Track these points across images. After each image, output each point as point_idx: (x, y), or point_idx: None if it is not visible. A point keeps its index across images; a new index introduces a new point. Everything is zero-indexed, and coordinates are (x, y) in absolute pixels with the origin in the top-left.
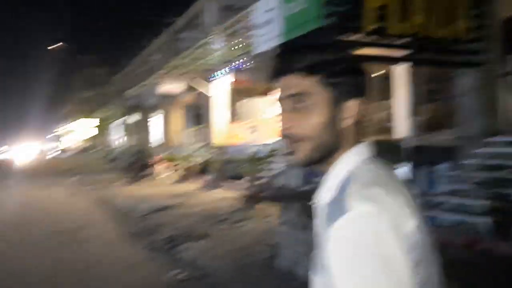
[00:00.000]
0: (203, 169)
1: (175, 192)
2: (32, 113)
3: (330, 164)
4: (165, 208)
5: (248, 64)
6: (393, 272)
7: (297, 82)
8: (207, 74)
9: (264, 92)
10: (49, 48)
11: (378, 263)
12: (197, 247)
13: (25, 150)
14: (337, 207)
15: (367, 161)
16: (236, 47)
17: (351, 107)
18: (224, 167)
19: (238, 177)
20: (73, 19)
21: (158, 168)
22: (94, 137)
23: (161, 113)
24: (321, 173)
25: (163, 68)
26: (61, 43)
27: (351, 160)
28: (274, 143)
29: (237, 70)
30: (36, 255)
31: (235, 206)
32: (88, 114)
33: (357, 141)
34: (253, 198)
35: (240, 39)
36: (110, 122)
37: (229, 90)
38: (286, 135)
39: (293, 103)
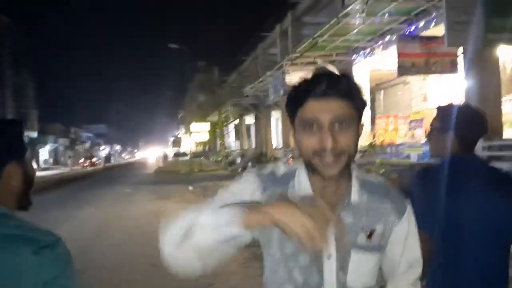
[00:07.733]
0: None
1: None
2: (157, 121)
3: (343, 173)
4: None
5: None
6: None
7: (342, 105)
8: (349, 55)
9: (448, 67)
10: (168, 51)
11: None
12: None
13: (150, 154)
14: (398, 205)
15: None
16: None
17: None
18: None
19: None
20: (185, 24)
21: None
22: (210, 140)
23: (282, 110)
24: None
25: (287, 57)
26: (179, 46)
27: (353, 168)
28: None
29: (405, 38)
30: None
31: None
32: (203, 117)
33: None
34: None
35: None
36: (226, 124)
37: (370, 75)
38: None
39: (339, 125)
